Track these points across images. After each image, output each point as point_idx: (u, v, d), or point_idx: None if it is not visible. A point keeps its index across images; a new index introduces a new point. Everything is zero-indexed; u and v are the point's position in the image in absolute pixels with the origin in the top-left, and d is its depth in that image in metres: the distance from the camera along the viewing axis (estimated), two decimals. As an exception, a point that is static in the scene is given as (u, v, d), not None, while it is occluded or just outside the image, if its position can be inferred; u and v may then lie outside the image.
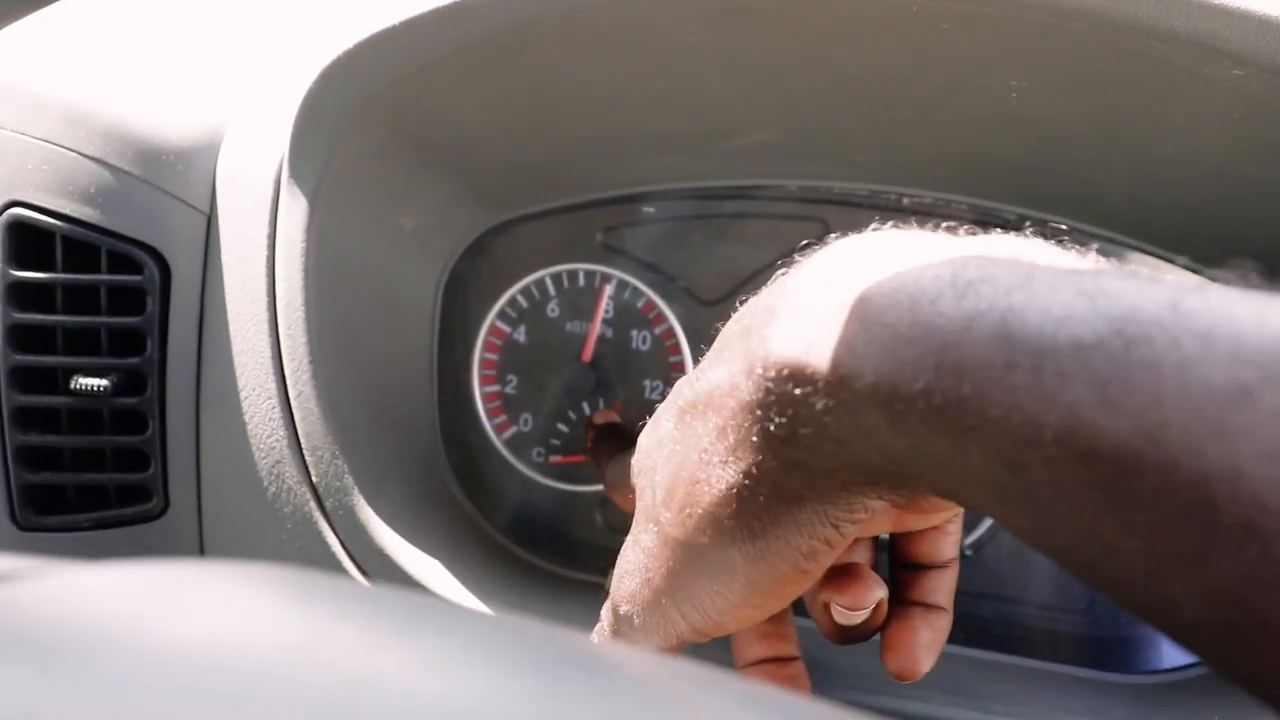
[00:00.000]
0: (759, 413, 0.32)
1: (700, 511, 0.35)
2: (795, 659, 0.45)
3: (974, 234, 0.32)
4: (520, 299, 0.76)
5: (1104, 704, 0.62)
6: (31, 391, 0.61)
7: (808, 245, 0.35)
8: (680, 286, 0.74)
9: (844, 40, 0.53)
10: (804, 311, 0.31)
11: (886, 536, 0.44)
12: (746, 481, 0.33)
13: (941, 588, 0.43)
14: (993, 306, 0.25)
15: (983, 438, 0.25)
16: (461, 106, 0.62)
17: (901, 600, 0.42)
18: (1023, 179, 0.65)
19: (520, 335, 0.76)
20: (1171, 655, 0.68)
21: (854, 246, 0.33)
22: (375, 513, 0.62)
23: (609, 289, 0.75)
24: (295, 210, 0.60)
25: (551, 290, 0.76)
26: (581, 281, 0.75)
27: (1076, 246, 0.31)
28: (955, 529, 0.43)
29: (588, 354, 0.75)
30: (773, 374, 0.31)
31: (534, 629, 0.19)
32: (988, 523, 0.71)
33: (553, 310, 0.76)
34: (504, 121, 0.64)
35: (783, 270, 0.35)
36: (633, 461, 0.43)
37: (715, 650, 0.45)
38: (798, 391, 0.30)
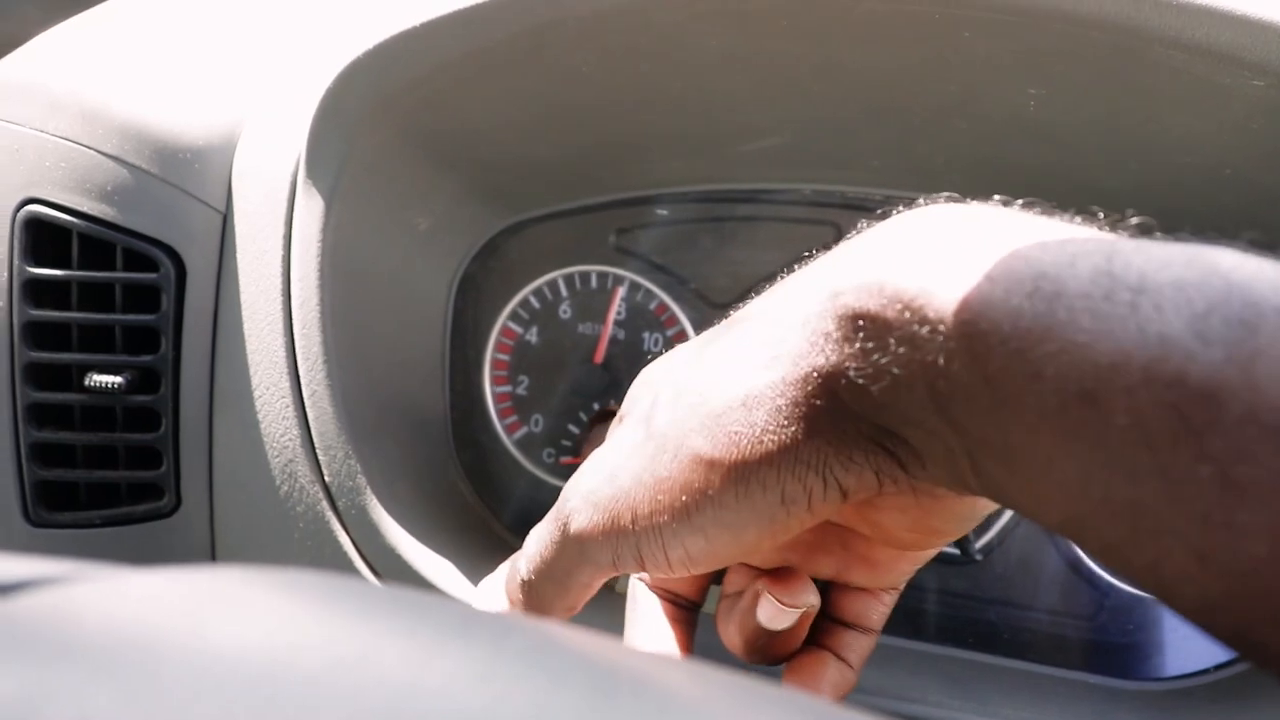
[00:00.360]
0: (815, 326, 0.31)
1: (705, 410, 0.33)
2: (692, 609, 0.43)
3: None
4: (532, 300, 0.76)
5: (1111, 710, 0.62)
6: (46, 388, 0.61)
7: (887, 209, 0.34)
8: (692, 289, 0.74)
9: (861, 45, 0.53)
10: (891, 244, 0.30)
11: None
12: (769, 393, 0.31)
13: (858, 649, 0.42)
14: (1098, 248, 0.25)
15: (1063, 363, 0.24)
16: (477, 108, 0.62)
17: (818, 644, 0.42)
18: (1037, 185, 0.65)
19: (532, 336, 0.77)
20: (1179, 662, 0.68)
21: (944, 205, 0.32)
22: (387, 512, 0.62)
23: (621, 291, 0.75)
24: (311, 210, 0.60)
25: (564, 291, 0.76)
26: (594, 283, 0.76)
27: None
28: (889, 601, 0.42)
29: (599, 355, 0.75)
30: (849, 293, 0.30)
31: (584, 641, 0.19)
32: (998, 526, 0.71)
33: (565, 311, 0.76)
34: (519, 123, 0.64)
35: (855, 231, 0.34)
36: (630, 392, 0.41)
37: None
38: (872, 307, 0.29)
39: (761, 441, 0.32)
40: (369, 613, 0.18)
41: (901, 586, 0.42)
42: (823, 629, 0.42)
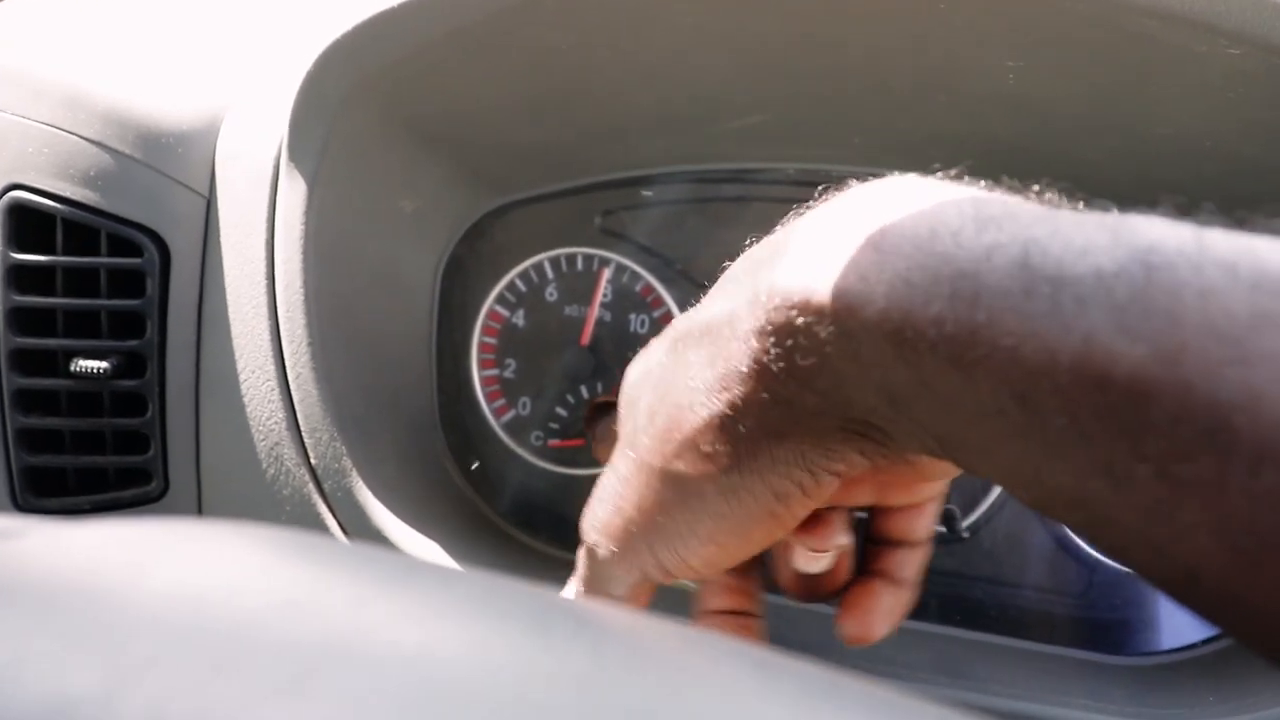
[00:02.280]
0: (754, 343, 0.31)
1: (679, 437, 0.34)
2: (755, 616, 0.44)
3: (996, 189, 0.31)
4: (519, 283, 0.76)
5: (1101, 685, 0.62)
6: (32, 374, 0.62)
7: (825, 189, 0.34)
8: (678, 270, 0.75)
9: (838, 20, 0.53)
10: (816, 244, 0.30)
11: (864, 515, 0.44)
12: (730, 411, 0.32)
13: (910, 564, 0.42)
14: (1014, 239, 0.25)
15: (993, 367, 0.24)
16: (460, 89, 0.62)
17: (868, 572, 0.42)
18: (1019, 159, 0.65)
19: (519, 319, 0.77)
20: (1167, 637, 0.68)
21: (872, 187, 0.32)
22: (373, 494, 0.62)
23: (607, 273, 0.75)
24: (294, 193, 0.60)
25: (550, 274, 0.76)
26: (580, 265, 0.76)
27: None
28: (932, 510, 0.43)
29: (586, 338, 0.75)
30: (777, 301, 0.30)
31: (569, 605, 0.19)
32: (985, 505, 0.71)
33: (551, 294, 0.76)
34: (501, 105, 0.64)
35: (795, 212, 0.34)
36: (620, 394, 0.42)
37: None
38: (801, 320, 0.29)
39: (738, 457, 0.33)
40: (308, 560, 0.18)
41: (942, 495, 0.43)
42: (872, 552, 0.43)
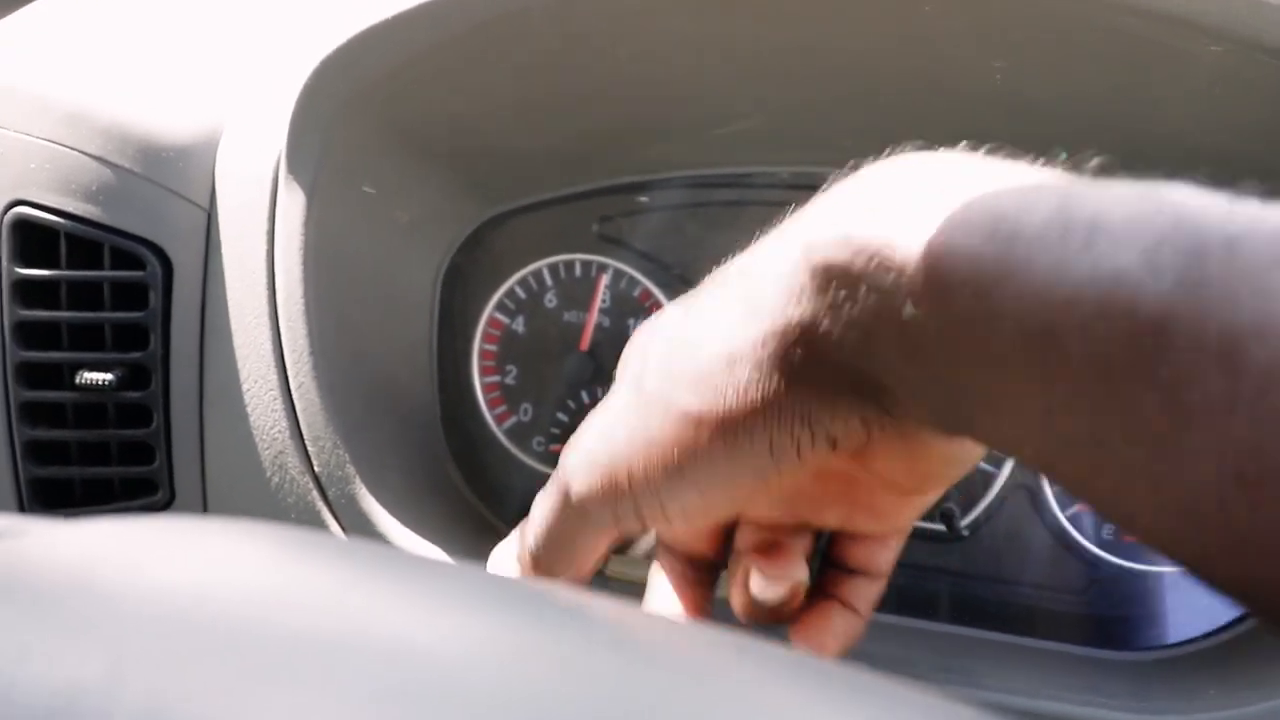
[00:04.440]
0: (786, 281, 0.32)
1: (693, 368, 0.34)
2: (712, 571, 0.44)
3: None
4: (518, 290, 0.77)
5: (1102, 681, 0.63)
6: (38, 387, 0.62)
7: (856, 164, 0.35)
8: (676, 275, 0.75)
9: (828, 23, 0.54)
10: (858, 196, 0.31)
11: (825, 539, 0.44)
12: (748, 349, 0.32)
13: (867, 595, 0.42)
14: (1054, 190, 0.26)
15: (1023, 302, 0.25)
16: (455, 99, 0.63)
17: (824, 594, 0.42)
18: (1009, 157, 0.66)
19: (519, 326, 0.77)
20: (1169, 632, 0.68)
21: (912, 155, 0.33)
22: (377, 501, 0.62)
23: (605, 278, 0.76)
24: (293, 204, 0.61)
25: (549, 281, 0.77)
26: (578, 272, 0.76)
27: None
28: (895, 545, 0.43)
29: (585, 343, 0.76)
30: (817, 246, 0.31)
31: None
32: (984, 503, 0.72)
33: (550, 300, 0.77)
34: (496, 114, 0.65)
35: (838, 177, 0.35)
36: (624, 355, 0.41)
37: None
38: (838, 260, 0.30)
39: (746, 395, 0.33)
40: (303, 554, 0.19)
41: (908, 531, 0.43)
42: (830, 577, 0.43)
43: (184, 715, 0.14)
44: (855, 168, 0.34)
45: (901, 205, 0.29)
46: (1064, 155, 0.33)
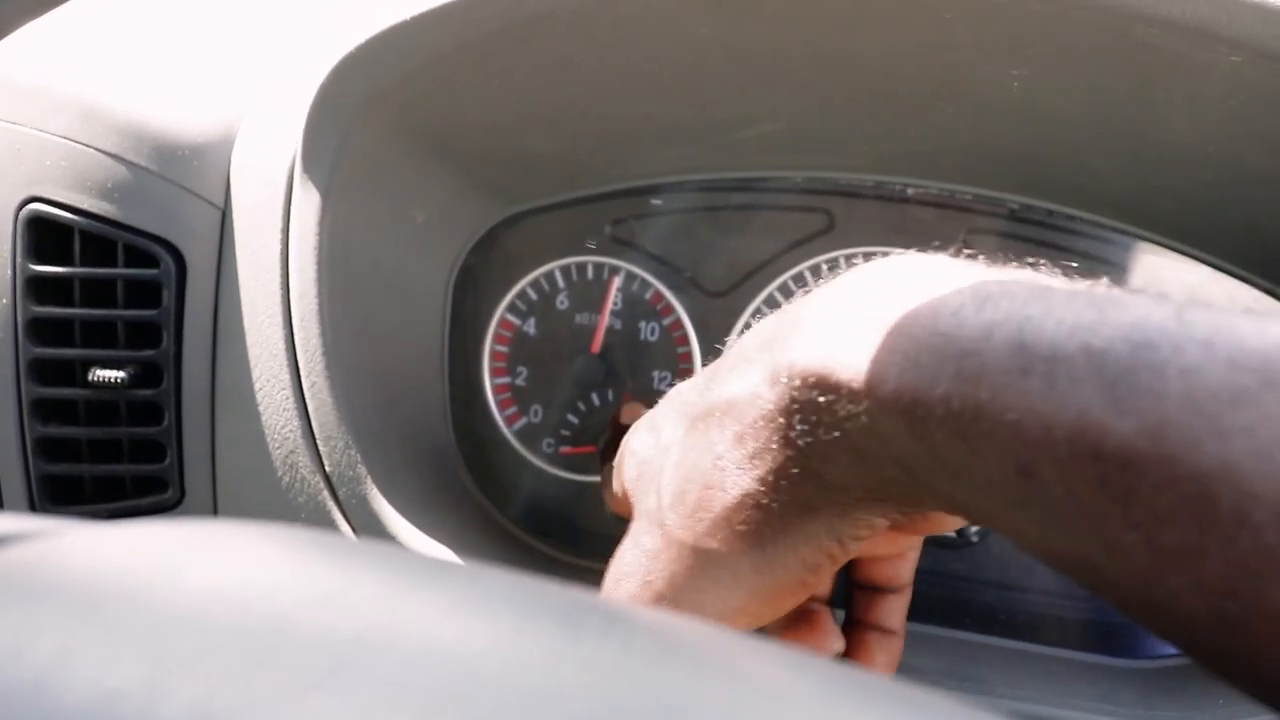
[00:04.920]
0: (781, 420, 0.33)
1: (712, 516, 0.35)
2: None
3: (994, 262, 0.33)
4: (530, 291, 0.77)
5: (1110, 688, 0.63)
6: (50, 383, 0.62)
7: (832, 267, 0.36)
8: (687, 278, 0.75)
9: (847, 30, 0.54)
10: (829, 323, 0.32)
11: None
12: (762, 488, 0.34)
13: (896, 611, 0.44)
14: (1009, 317, 0.26)
15: (997, 441, 0.26)
16: (471, 101, 0.63)
17: (855, 621, 0.44)
18: (1025, 167, 0.66)
19: (530, 327, 0.77)
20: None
21: (877, 267, 0.34)
22: (388, 501, 0.62)
23: (617, 281, 0.76)
24: (308, 204, 0.61)
25: (561, 283, 0.77)
26: (590, 274, 0.76)
27: (1096, 271, 0.32)
28: (914, 556, 0.44)
29: (596, 345, 0.76)
30: (798, 381, 0.32)
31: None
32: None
33: (562, 302, 0.77)
34: (513, 116, 0.65)
35: (804, 291, 0.36)
36: (625, 467, 0.43)
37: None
38: (822, 399, 0.31)
39: (771, 533, 0.34)
40: (342, 559, 0.19)
41: (921, 542, 0.45)
42: (858, 601, 0.44)
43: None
44: (812, 289, 0.35)
45: (869, 341, 0.30)
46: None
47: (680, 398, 0.41)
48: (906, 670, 0.62)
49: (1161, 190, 0.63)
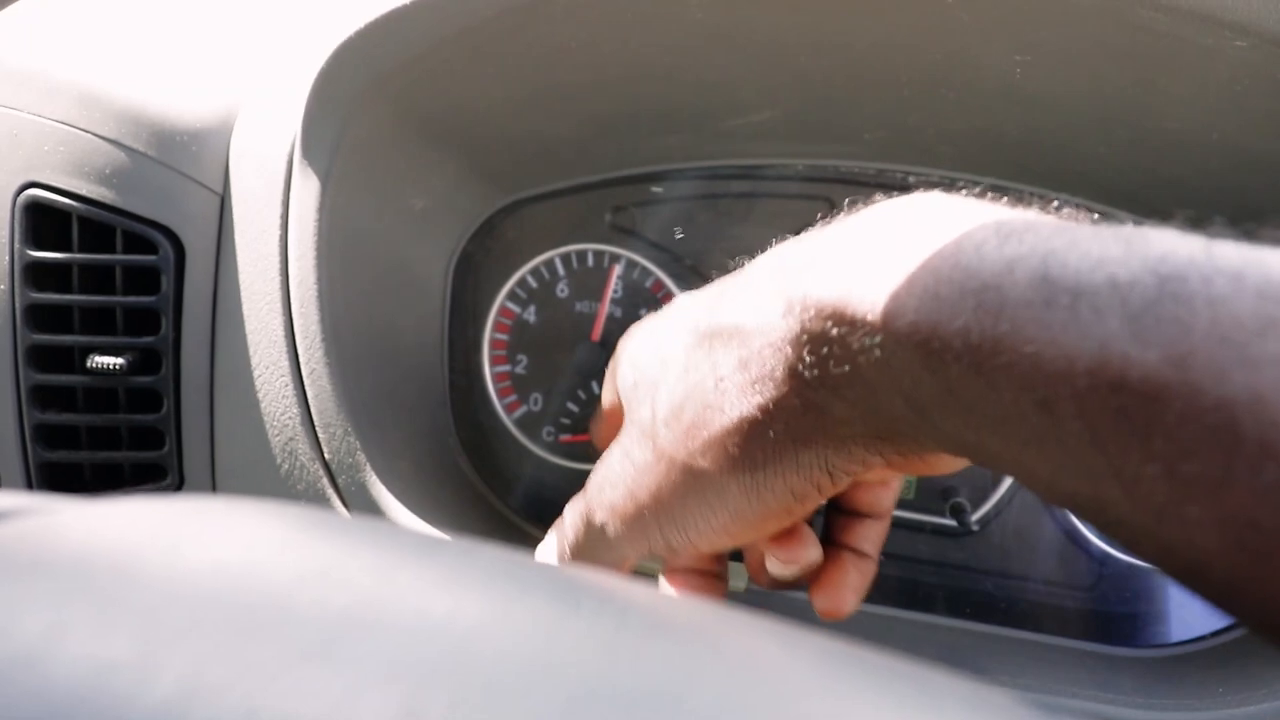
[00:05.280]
0: (789, 350, 0.32)
1: (707, 435, 0.35)
2: (721, 578, 0.47)
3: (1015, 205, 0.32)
4: (530, 279, 0.77)
5: (1110, 677, 0.63)
6: (48, 370, 0.62)
7: (853, 202, 0.36)
8: (688, 266, 0.75)
9: (847, 15, 0.53)
10: (847, 255, 0.32)
11: None
12: (760, 415, 0.34)
13: (873, 537, 0.44)
14: (1034, 250, 0.26)
15: (1015, 374, 0.25)
16: (470, 88, 0.63)
17: (832, 542, 0.44)
18: (1027, 155, 0.66)
19: (530, 315, 0.77)
20: (1177, 629, 0.68)
21: (900, 203, 0.33)
22: (387, 488, 0.62)
23: (618, 269, 0.76)
24: (307, 190, 0.60)
25: (561, 270, 0.77)
26: (590, 261, 0.76)
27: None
28: (897, 486, 0.45)
29: (597, 333, 0.76)
30: (812, 312, 0.31)
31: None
32: (994, 499, 0.71)
33: (562, 290, 0.77)
34: (512, 102, 0.65)
35: (823, 222, 0.36)
36: (620, 373, 0.43)
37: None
38: (835, 331, 0.30)
39: (763, 458, 0.34)
40: (334, 534, 0.19)
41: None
42: (836, 523, 0.44)
43: (217, 694, 0.14)
44: (832, 219, 0.35)
45: (888, 274, 0.29)
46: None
47: (686, 312, 0.40)
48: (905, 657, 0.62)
49: (1164, 178, 0.63)
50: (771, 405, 0.33)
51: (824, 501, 0.36)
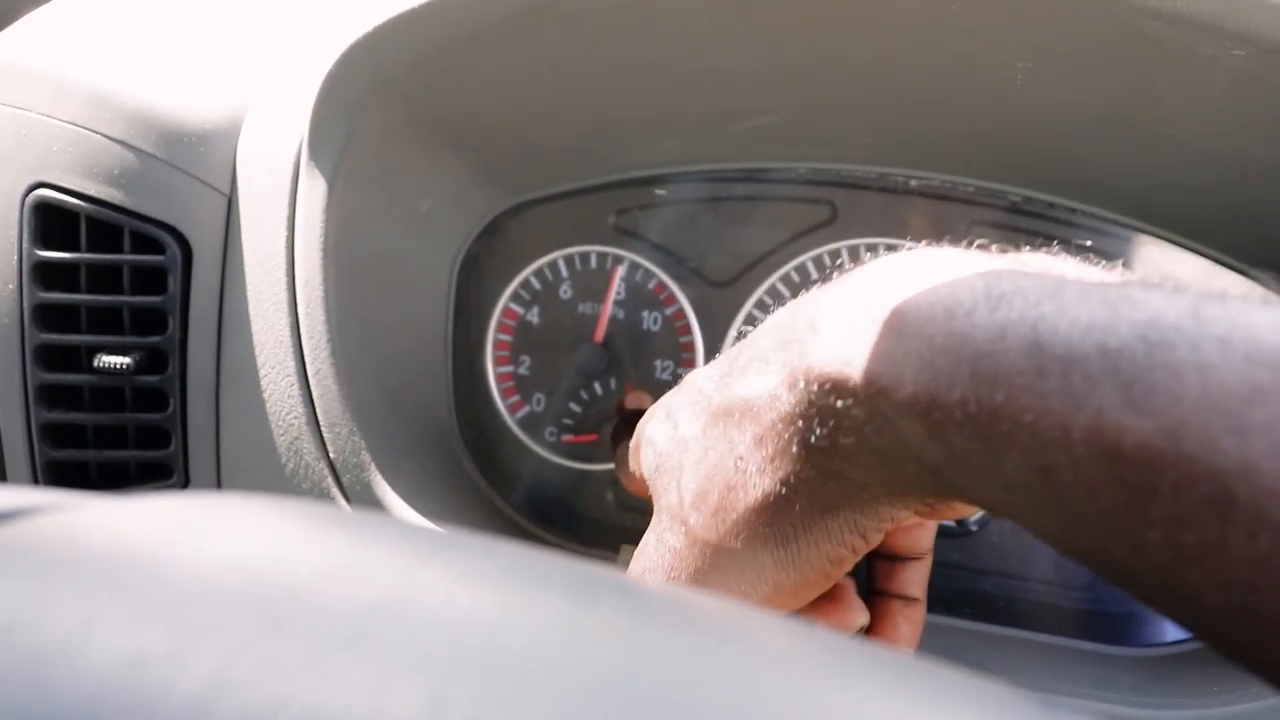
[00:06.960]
0: (800, 424, 0.33)
1: (735, 516, 0.36)
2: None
3: (1005, 251, 0.33)
4: (533, 280, 0.77)
5: (1107, 676, 0.63)
6: (56, 369, 0.63)
7: (841, 264, 0.36)
8: (691, 268, 0.75)
9: (851, 21, 0.54)
10: (844, 326, 0.32)
11: None
12: (783, 490, 0.34)
13: (916, 579, 0.44)
14: (1024, 317, 0.26)
15: (1015, 443, 0.26)
16: (477, 89, 0.63)
17: (877, 591, 0.44)
18: (1028, 160, 0.66)
19: (533, 316, 0.78)
20: (1173, 629, 0.69)
21: (890, 263, 0.34)
22: (391, 488, 0.63)
23: (621, 270, 0.76)
24: (314, 191, 0.61)
25: (564, 272, 0.77)
26: (594, 263, 0.77)
27: (1103, 262, 0.32)
28: (934, 524, 0.45)
29: (599, 335, 0.76)
30: (815, 387, 0.32)
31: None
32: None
33: (565, 292, 0.77)
34: (518, 105, 0.65)
35: (817, 285, 0.36)
36: (643, 456, 0.44)
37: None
38: (839, 404, 0.31)
39: (794, 532, 0.35)
40: (358, 531, 0.19)
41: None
42: (880, 570, 0.45)
43: (247, 686, 0.15)
44: (826, 285, 0.36)
45: (884, 344, 0.30)
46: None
47: (696, 389, 0.41)
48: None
49: (1163, 184, 0.64)
50: (792, 479, 0.34)
51: (859, 559, 0.37)
